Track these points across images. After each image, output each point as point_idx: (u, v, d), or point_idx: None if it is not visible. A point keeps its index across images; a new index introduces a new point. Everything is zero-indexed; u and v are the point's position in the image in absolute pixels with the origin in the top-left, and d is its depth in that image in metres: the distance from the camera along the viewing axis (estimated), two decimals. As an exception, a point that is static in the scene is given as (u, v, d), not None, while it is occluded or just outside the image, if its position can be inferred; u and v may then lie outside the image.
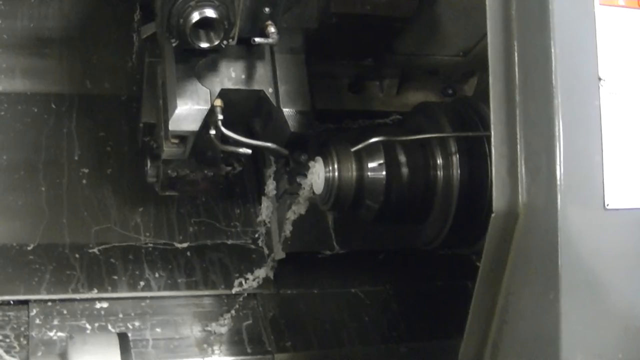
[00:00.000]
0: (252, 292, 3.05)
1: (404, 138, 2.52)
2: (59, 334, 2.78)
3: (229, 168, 2.95)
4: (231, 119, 2.52)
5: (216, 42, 2.39)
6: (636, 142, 1.77)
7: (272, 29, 2.46)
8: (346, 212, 2.63)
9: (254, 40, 2.45)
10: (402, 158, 2.51)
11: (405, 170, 2.51)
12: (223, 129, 2.46)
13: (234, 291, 3.03)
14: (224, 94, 2.53)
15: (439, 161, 2.50)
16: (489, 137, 1.84)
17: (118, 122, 3.27)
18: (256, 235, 3.20)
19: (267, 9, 2.46)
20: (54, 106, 3.22)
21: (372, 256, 3.22)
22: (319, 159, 2.53)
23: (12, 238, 2.99)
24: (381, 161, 2.49)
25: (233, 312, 2.99)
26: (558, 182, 1.69)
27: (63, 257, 2.98)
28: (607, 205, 1.73)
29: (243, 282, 3.04)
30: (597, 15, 1.78)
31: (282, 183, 2.92)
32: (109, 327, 2.85)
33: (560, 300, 1.69)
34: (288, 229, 2.82)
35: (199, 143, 2.61)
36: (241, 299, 3.03)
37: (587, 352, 1.74)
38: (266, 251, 3.16)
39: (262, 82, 2.61)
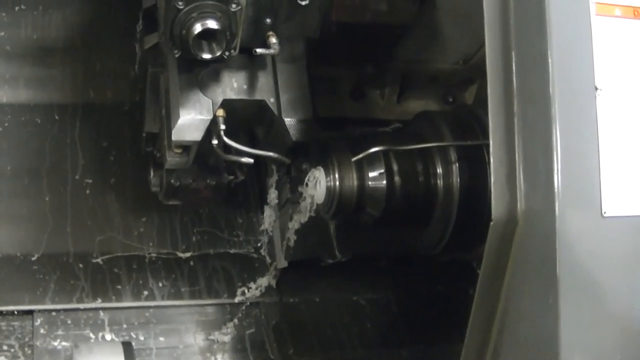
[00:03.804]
0: (255, 300, 3.06)
1: (404, 147, 2.53)
2: (63, 343, 2.79)
3: (232, 177, 2.96)
4: (233, 128, 2.53)
5: (218, 53, 2.40)
6: (632, 151, 1.79)
7: (273, 40, 2.48)
8: (348, 219, 2.65)
9: (255, 51, 2.47)
10: (403, 167, 2.52)
11: (405, 179, 2.52)
12: (225, 138, 2.47)
13: (236, 300, 3.04)
14: (226, 103, 2.55)
15: (439, 170, 2.51)
16: (488, 145, 1.85)
17: (121, 132, 3.28)
18: (259, 244, 3.21)
19: (268, 20, 2.48)
20: (57, 116, 3.24)
21: (374, 263, 3.23)
22: (320, 168, 2.54)
23: (16, 248, 3.01)
24: (382, 170, 2.51)
25: (236, 320, 3.00)
26: (556, 190, 1.71)
27: (67, 267, 2.99)
28: (604, 212, 1.74)
29: (246, 290, 3.05)
30: (593, 25, 1.79)
31: (284, 192, 2.93)
32: (113, 336, 2.86)
33: (559, 304, 1.71)
34: (291, 237, 2.83)
35: (202, 152, 2.62)
36: (244, 307, 3.04)
37: (586, 355, 1.76)
38: (268, 260, 3.17)
39: (263, 91, 2.62)
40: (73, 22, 3.33)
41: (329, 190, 2.52)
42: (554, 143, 1.71)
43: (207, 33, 2.35)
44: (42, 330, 2.81)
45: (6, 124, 3.19)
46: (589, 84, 1.77)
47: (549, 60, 1.74)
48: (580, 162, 1.74)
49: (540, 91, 1.75)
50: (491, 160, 1.83)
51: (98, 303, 2.92)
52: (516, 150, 1.80)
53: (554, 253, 1.70)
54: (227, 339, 2.95)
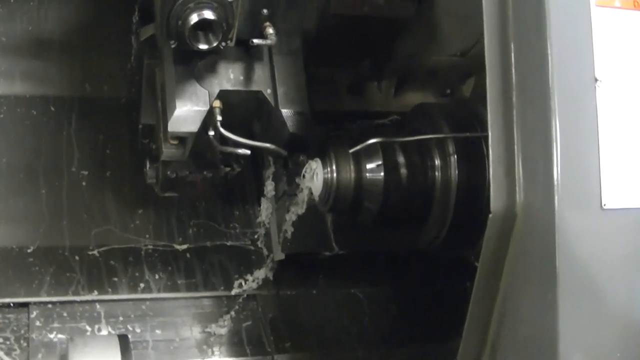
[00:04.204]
0: (252, 293, 3.05)
1: (402, 139, 2.52)
2: (59, 336, 2.78)
3: (228, 169, 2.95)
4: (231, 121, 2.52)
5: (215, 44, 2.39)
6: (633, 142, 1.78)
7: (270, 30, 2.47)
8: (345, 214, 2.64)
9: (252, 42, 2.46)
10: (400, 159, 2.52)
11: (403, 171, 2.52)
12: (222, 129, 2.46)
13: (233, 292, 3.04)
14: (222, 95, 2.53)
15: (437, 162, 2.50)
16: (486, 138, 1.84)
17: (117, 125, 3.27)
18: (255, 237, 3.20)
19: (265, 11, 2.47)
20: (53, 109, 3.23)
21: (372, 257, 3.22)
22: (317, 160, 2.53)
23: (12, 241, 3.00)
24: (379, 162, 2.50)
25: (233, 313, 2.99)
26: (555, 183, 1.70)
27: (63, 260, 2.98)
28: (604, 205, 1.73)
29: (243, 283, 3.04)
30: (593, 16, 1.78)
31: (281, 184, 2.92)
32: (109, 329, 2.85)
33: (558, 301, 1.69)
34: (287, 229, 2.82)
35: (198, 144, 2.61)
36: (241, 300, 3.03)
37: (585, 353, 1.75)
38: (265, 252, 3.16)
39: (260, 83, 2.61)
40: (69, 15, 3.31)
41: (326, 182, 2.51)
42: (554, 135, 1.70)
43: (203, 24, 2.34)
44: (37, 323, 2.80)
45: (1, 116, 3.17)
46: (589, 76, 1.76)
47: (548, 52, 1.73)
48: (579, 154, 1.74)
49: (539, 84, 1.74)
50: (490, 153, 1.82)
51: (94, 295, 2.91)
52: (515, 142, 1.79)
53: (553, 247, 1.69)
54: (223, 331, 2.94)
